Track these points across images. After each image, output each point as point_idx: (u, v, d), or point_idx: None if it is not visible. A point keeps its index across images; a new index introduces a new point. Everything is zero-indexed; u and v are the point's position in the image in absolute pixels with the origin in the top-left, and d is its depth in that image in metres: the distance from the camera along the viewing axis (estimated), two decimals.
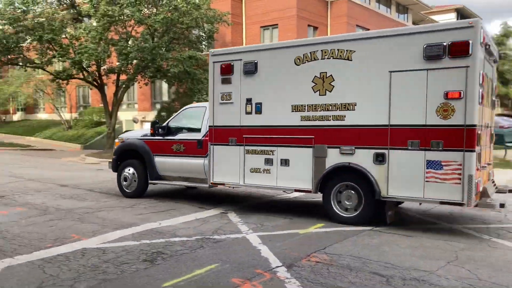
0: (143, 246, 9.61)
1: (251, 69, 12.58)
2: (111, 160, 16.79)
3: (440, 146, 10.25)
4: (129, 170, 15.40)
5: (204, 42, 35.28)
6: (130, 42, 31.60)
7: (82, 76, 33.07)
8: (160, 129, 14.81)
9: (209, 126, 13.36)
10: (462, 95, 10.02)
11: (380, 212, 11.31)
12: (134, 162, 15.36)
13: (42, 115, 59.53)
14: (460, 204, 10.11)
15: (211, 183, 13.31)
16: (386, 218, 11.23)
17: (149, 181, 14.99)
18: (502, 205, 10.66)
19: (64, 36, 32.51)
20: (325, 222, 11.72)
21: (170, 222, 11.65)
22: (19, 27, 31.49)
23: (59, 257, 8.92)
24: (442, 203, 10.31)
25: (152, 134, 14.90)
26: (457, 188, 10.12)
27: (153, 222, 11.57)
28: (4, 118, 62.84)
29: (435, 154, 10.30)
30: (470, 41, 9.95)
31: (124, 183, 15.48)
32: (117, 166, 15.76)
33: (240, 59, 12.79)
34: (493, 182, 12.02)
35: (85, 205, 13.71)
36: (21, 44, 32.73)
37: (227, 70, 12.94)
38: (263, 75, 12.49)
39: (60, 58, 31.18)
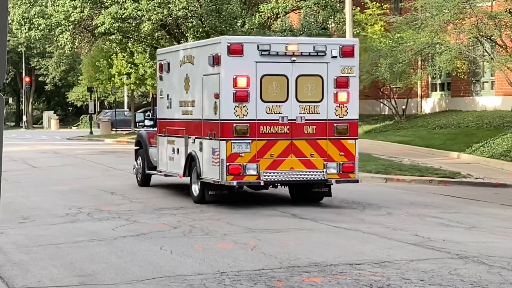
0: None
1: (166, 69, 15.47)
2: None
3: (214, 136, 12.80)
4: (139, 160, 16.64)
5: None
6: None
7: None
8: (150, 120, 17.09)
9: (157, 119, 16.20)
10: (218, 96, 12.55)
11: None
12: (141, 152, 16.63)
13: (488, 99, 29.14)
14: (217, 182, 12.58)
15: (158, 170, 15.71)
16: (205, 196, 13.56)
17: (146, 171, 16.14)
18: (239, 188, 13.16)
19: None
20: None
21: None
22: None
23: None
24: (214, 182, 12.84)
25: (135, 125, 17.93)
26: (217, 170, 12.60)
27: None
28: (404, 107, 31.44)
29: (213, 142, 12.83)
30: (219, 54, 12.44)
31: (133, 170, 16.89)
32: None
33: (165, 59, 15.76)
34: (322, 173, 13.03)
35: None
36: None
37: (160, 69, 15.95)
38: (172, 74, 15.34)
39: None
